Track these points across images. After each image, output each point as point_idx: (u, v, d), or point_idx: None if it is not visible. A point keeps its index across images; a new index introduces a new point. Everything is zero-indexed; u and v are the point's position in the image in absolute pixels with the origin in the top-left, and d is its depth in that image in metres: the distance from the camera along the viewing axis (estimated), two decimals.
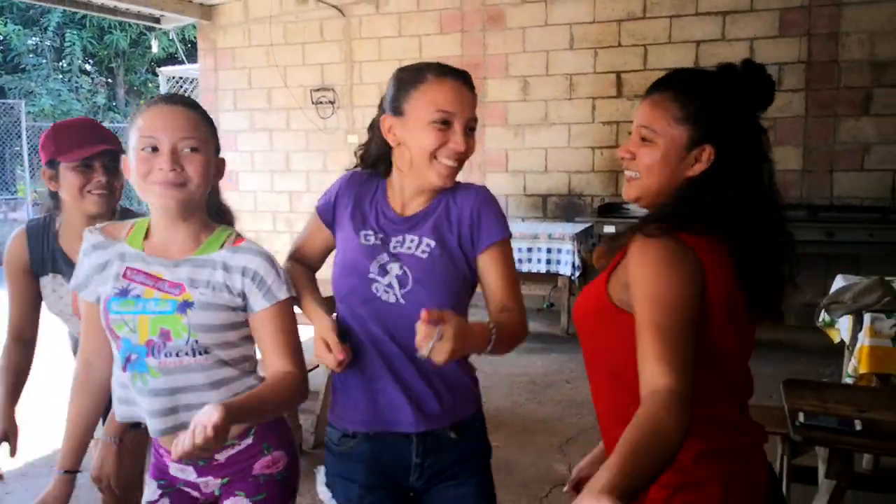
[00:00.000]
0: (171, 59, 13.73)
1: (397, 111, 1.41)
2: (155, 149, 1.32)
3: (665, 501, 1.11)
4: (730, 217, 1.14)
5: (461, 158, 1.41)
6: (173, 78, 8.62)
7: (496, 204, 1.47)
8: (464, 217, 1.42)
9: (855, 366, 3.16)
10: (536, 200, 6.30)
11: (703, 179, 1.18)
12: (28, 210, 11.66)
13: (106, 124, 10.33)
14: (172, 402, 1.35)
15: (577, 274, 5.41)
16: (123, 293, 1.35)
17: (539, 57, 6.15)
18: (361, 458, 1.43)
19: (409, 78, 1.41)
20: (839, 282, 3.76)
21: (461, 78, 1.41)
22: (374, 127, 1.49)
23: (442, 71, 1.41)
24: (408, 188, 1.45)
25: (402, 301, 1.38)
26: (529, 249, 5.50)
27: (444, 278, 1.39)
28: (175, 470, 1.45)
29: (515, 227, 5.71)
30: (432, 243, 1.41)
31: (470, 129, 1.42)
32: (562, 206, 6.23)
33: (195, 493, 1.47)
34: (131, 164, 1.35)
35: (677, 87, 1.22)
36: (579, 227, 5.60)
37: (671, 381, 0.99)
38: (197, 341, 1.34)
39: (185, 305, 1.33)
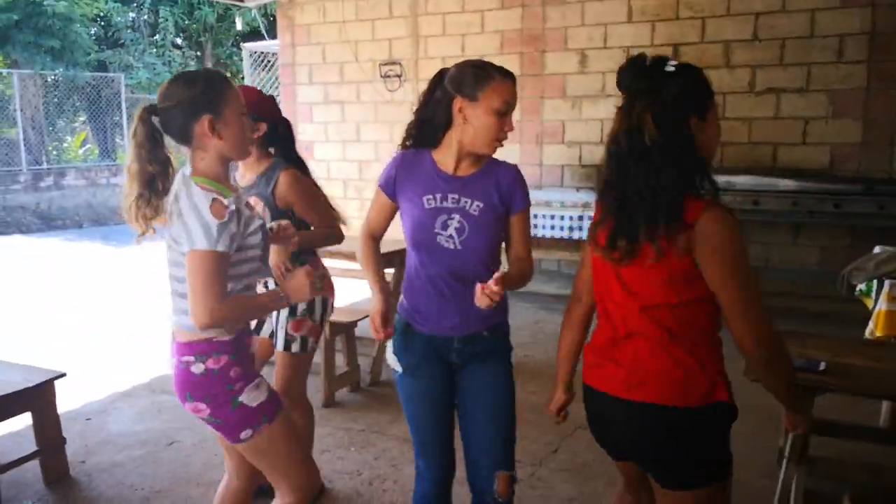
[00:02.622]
0: (254, 34, 14.43)
1: (472, 97, 1.83)
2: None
3: None
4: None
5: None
6: (255, 53, 9.18)
7: (525, 181, 1.97)
8: (504, 188, 1.91)
9: (871, 329, 3.32)
10: (591, 171, 6.49)
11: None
12: None
13: None
14: None
15: None
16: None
17: (597, 30, 6.30)
18: (419, 339, 1.97)
19: (483, 74, 1.84)
20: (876, 251, 3.86)
21: (513, 79, 1.87)
22: (439, 104, 1.90)
23: (503, 72, 1.86)
24: (462, 155, 1.90)
25: (459, 247, 1.88)
26: (580, 217, 5.74)
27: (488, 229, 1.88)
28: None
29: (569, 196, 5.98)
30: (482, 204, 1.88)
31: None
32: None
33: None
34: (231, 127, 1.77)
35: None
36: None
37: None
38: None
39: None
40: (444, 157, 1.92)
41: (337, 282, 5.69)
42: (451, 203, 1.88)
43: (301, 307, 2.62)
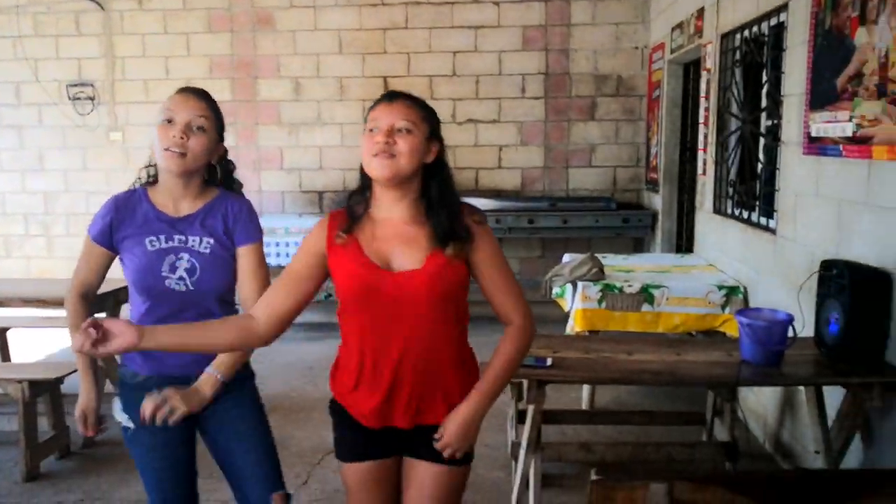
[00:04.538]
0: None
1: None
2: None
3: None
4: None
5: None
6: None
7: (254, 215, 1.90)
8: (229, 220, 1.86)
9: (572, 325, 3.84)
10: (313, 196, 6.54)
11: (432, 166, 1.64)
12: None
13: None
14: None
15: None
16: None
17: (310, 59, 6.39)
18: (148, 387, 1.76)
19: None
20: (565, 258, 4.48)
21: (190, 92, 1.83)
22: None
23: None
24: (179, 194, 1.84)
25: (191, 287, 1.80)
26: None
27: (221, 267, 1.83)
28: None
29: (292, 221, 5.91)
30: (211, 241, 1.83)
31: (198, 129, 1.80)
32: (338, 202, 6.51)
33: None
34: None
35: (412, 99, 1.66)
36: None
37: None
38: None
39: None
40: (161, 198, 1.85)
41: (33, 332, 4.98)
42: (177, 242, 1.82)
43: None
